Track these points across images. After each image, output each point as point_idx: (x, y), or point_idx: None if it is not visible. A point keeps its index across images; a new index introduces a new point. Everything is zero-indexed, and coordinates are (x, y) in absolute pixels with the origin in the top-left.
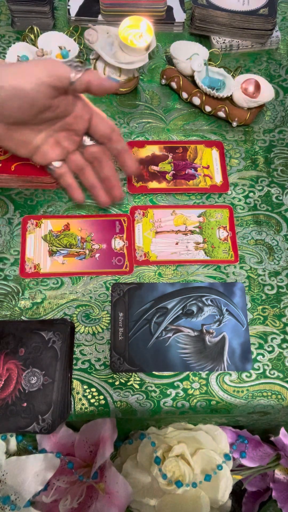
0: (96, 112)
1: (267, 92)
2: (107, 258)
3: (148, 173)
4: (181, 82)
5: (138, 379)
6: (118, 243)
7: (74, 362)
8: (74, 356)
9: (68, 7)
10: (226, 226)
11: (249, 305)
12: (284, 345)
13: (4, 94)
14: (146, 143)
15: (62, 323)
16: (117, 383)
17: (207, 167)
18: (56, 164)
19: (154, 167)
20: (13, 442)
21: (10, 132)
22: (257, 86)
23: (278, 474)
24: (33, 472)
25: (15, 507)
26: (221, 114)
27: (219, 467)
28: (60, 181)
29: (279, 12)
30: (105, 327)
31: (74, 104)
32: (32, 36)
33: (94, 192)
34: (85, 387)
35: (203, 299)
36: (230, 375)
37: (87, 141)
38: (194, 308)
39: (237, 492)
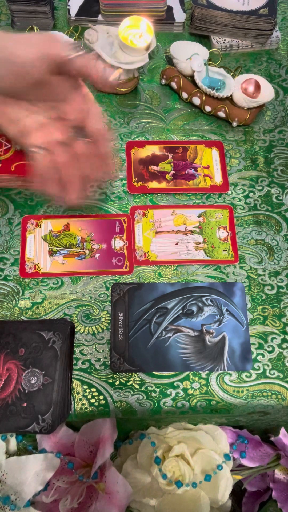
0: (94, 110)
1: (267, 92)
2: (107, 258)
3: (148, 173)
4: (181, 82)
5: (138, 379)
6: (118, 243)
7: (74, 362)
8: (74, 356)
9: (68, 7)
10: (226, 226)
11: (249, 305)
12: (284, 345)
13: (3, 66)
14: (146, 143)
15: (62, 323)
16: (117, 383)
17: (207, 167)
18: (38, 149)
19: (154, 167)
20: (13, 442)
21: (3, 106)
22: (257, 86)
23: (278, 474)
24: (33, 472)
25: (15, 507)
26: (221, 114)
27: (219, 467)
28: (47, 174)
29: (279, 12)
30: (105, 327)
31: (73, 92)
32: None
33: (67, 187)
34: (85, 387)
35: (203, 299)
36: (230, 375)
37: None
38: (194, 308)
39: (237, 492)
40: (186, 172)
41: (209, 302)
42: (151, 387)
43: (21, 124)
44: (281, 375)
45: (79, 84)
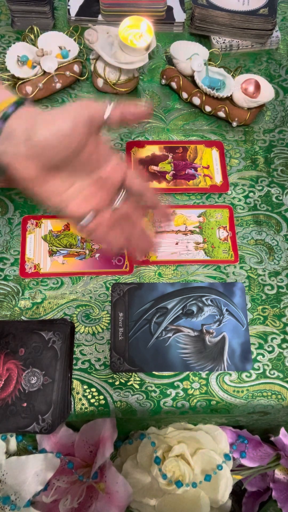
0: (130, 171)
1: (267, 92)
2: (107, 258)
3: (148, 173)
4: (181, 82)
5: (138, 379)
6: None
7: (74, 362)
8: (74, 356)
9: (68, 7)
10: (226, 226)
11: (249, 305)
12: (284, 345)
13: (49, 134)
14: (146, 143)
15: (62, 323)
16: (117, 383)
17: (207, 167)
18: (89, 217)
19: (154, 167)
20: (13, 442)
21: (45, 177)
22: (257, 86)
23: (278, 474)
24: (33, 472)
25: (15, 507)
26: (221, 114)
27: (219, 467)
28: (91, 237)
29: (279, 12)
30: (105, 327)
31: (109, 155)
32: (32, 36)
33: (129, 248)
34: (85, 387)
35: (203, 299)
36: (230, 375)
37: (117, 200)
38: (194, 308)
39: (237, 492)
40: (186, 172)
41: (209, 302)
42: (151, 387)
43: (64, 196)
44: (281, 375)
45: (111, 152)
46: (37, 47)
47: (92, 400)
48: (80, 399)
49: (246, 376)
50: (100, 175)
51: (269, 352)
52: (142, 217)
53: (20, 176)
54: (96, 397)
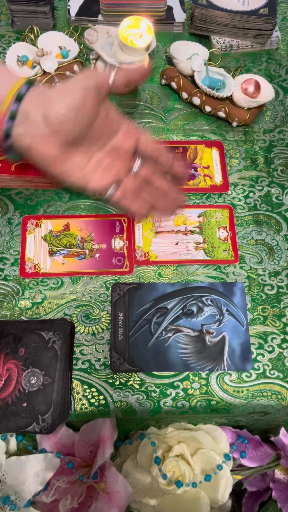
0: (142, 134)
1: (267, 92)
2: (107, 258)
3: None
4: (181, 82)
5: (138, 379)
6: (118, 243)
7: (74, 362)
8: (74, 356)
9: (68, 7)
10: (226, 226)
11: (249, 305)
12: (284, 345)
13: (64, 108)
14: None
15: (62, 323)
16: (117, 383)
17: (207, 167)
18: (111, 191)
19: None
20: (13, 442)
21: (65, 155)
22: (257, 86)
23: (278, 474)
24: (33, 472)
25: (15, 507)
26: (221, 114)
27: (219, 467)
28: (120, 205)
29: (279, 12)
30: (105, 327)
31: (119, 122)
32: (32, 36)
33: (159, 206)
34: (85, 387)
35: (203, 299)
36: (230, 375)
37: (135, 167)
38: (194, 308)
39: (237, 492)
40: None
41: (209, 302)
42: (151, 387)
43: (85, 171)
44: (281, 375)
45: (120, 118)
46: (37, 47)
47: (92, 400)
48: (80, 399)
49: (246, 376)
50: (114, 144)
51: (269, 352)
52: (162, 177)
53: (41, 156)
54: (96, 397)
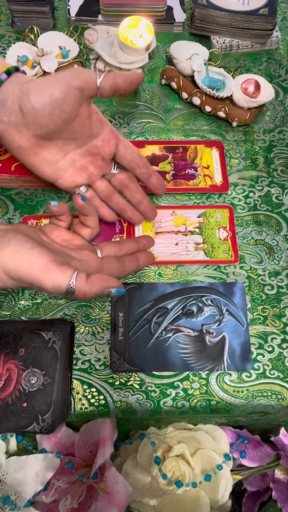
0: (121, 139)
1: (267, 92)
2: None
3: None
4: (181, 82)
5: (138, 379)
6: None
7: (74, 362)
8: (74, 356)
9: (68, 7)
10: (226, 226)
11: (249, 305)
12: (284, 345)
13: (41, 101)
14: (146, 143)
15: (62, 323)
16: (117, 383)
17: (207, 167)
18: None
19: (154, 167)
20: (13, 442)
21: (38, 147)
22: (257, 86)
23: (278, 474)
24: (33, 472)
25: (15, 507)
26: (221, 114)
27: (219, 467)
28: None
29: (279, 12)
30: (105, 327)
31: (100, 126)
32: (32, 36)
33: (125, 215)
34: (85, 387)
35: (203, 299)
36: (230, 375)
37: (113, 169)
38: (194, 308)
39: (237, 492)
40: (186, 172)
41: (209, 302)
42: (151, 387)
43: (55, 167)
44: (281, 375)
45: (104, 119)
46: (37, 47)
47: (92, 400)
48: (80, 399)
49: (246, 376)
50: (91, 147)
51: (269, 352)
52: (138, 186)
53: (13, 144)
54: (96, 397)
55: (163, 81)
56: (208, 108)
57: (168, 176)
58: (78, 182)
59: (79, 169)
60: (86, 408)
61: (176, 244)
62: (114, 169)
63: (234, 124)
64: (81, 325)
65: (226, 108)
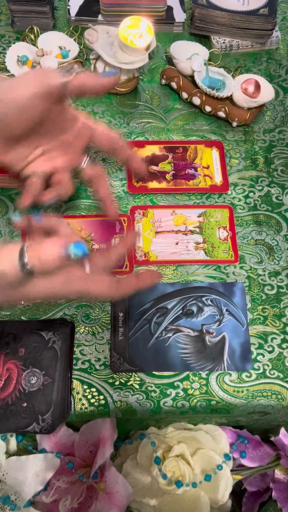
0: (97, 129)
1: (267, 92)
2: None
3: (148, 173)
4: (181, 82)
5: (138, 379)
6: (118, 243)
7: (74, 362)
8: (74, 356)
9: (68, 7)
10: (226, 226)
11: (249, 305)
12: (284, 345)
13: (6, 107)
14: (146, 143)
15: (62, 323)
16: (117, 383)
17: (207, 167)
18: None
19: (154, 167)
20: (13, 442)
21: (7, 148)
22: (257, 86)
23: (278, 474)
24: (33, 472)
25: (15, 507)
26: (221, 114)
27: (219, 467)
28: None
29: (279, 12)
30: (105, 327)
31: (73, 120)
32: (32, 36)
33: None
34: (85, 387)
35: (203, 299)
36: (230, 375)
37: (83, 163)
38: (194, 308)
39: (237, 492)
40: (186, 172)
41: (209, 302)
42: (151, 387)
43: (25, 162)
44: (281, 375)
45: (76, 116)
46: (37, 47)
47: (92, 400)
48: (80, 399)
49: (246, 376)
50: (64, 139)
51: (269, 352)
52: (104, 183)
53: None
54: (96, 397)
55: (163, 81)
56: (208, 108)
57: (168, 176)
58: (44, 169)
59: (48, 159)
60: (86, 408)
61: (177, 243)
62: (83, 163)
63: (234, 124)
64: (81, 325)
65: (226, 108)
